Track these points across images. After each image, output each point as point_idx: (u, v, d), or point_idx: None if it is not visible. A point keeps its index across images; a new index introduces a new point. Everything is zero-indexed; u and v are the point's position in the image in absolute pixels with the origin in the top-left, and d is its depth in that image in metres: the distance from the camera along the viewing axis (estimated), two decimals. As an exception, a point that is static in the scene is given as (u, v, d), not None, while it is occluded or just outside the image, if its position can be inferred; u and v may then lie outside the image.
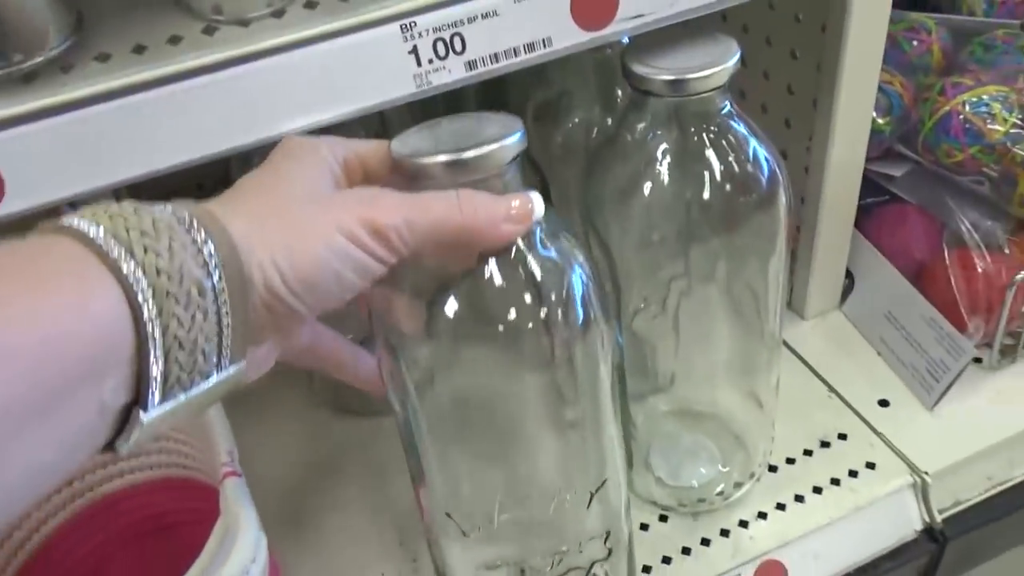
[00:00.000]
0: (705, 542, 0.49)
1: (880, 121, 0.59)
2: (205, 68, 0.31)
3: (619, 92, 0.46)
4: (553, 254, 0.32)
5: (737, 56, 0.36)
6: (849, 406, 0.55)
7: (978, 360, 0.57)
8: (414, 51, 0.34)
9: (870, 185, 0.61)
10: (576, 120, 0.48)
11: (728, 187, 0.39)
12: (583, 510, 0.37)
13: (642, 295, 0.47)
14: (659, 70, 0.36)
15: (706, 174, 0.39)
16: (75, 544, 0.49)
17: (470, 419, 0.35)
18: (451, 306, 0.31)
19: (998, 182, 0.57)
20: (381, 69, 0.34)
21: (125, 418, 0.25)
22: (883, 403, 0.55)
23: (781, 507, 0.50)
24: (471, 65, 0.35)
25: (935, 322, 0.54)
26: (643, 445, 0.51)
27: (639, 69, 0.36)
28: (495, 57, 0.35)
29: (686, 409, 0.52)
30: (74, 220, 0.24)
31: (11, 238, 0.24)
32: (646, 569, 0.48)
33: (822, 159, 0.55)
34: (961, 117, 0.57)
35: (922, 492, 0.51)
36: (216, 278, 0.25)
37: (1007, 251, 0.57)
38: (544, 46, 0.36)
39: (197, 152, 0.32)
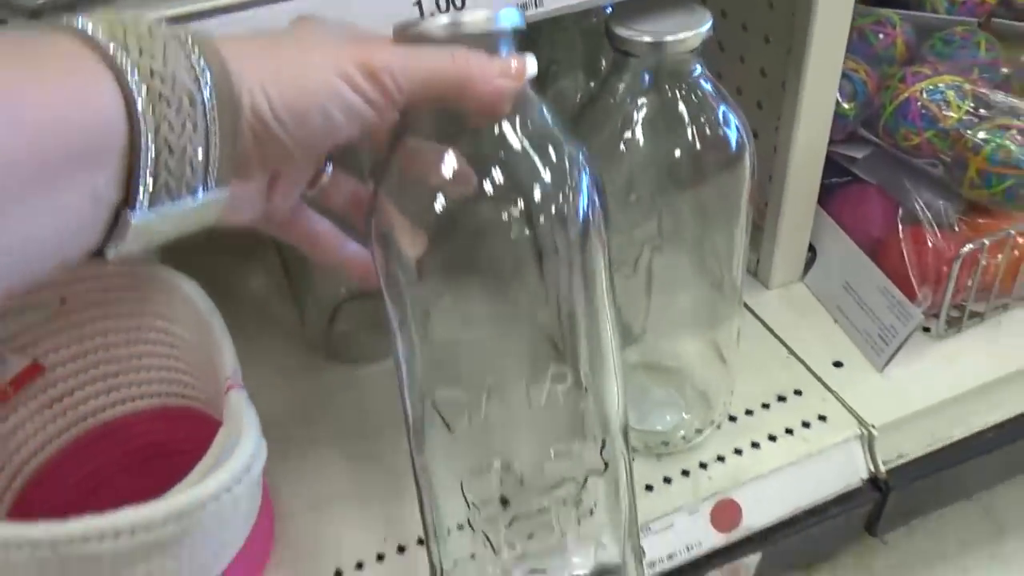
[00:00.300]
0: (667, 480, 0.53)
1: (845, 106, 0.63)
2: (224, 8, 0.34)
3: (603, 60, 0.50)
4: (550, 146, 0.33)
5: (709, 23, 0.40)
6: (806, 366, 0.60)
7: (927, 330, 0.62)
8: (418, 4, 0.38)
9: (834, 166, 0.66)
10: (563, 86, 0.51)
11: (699, 146, 0.43)
12: (576, 406, 0.36)
13: (617, 250, 0.51)
14: (639, 32, 0.40)
15: (679, 132, 0.43)
16: (74, 467, 0.52)
17: (464, 296, 0.35)
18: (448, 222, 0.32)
19: (951, 166, 0.61)
20: (388, 23, 0.38)
21: (115, 225, 0.26)
22: (837, 364, 0.60)
23: (738, 452, 0.54)
24: (469, 22, 0.39)
25: (887, 291, 0.58)
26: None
27: (621, 32, 0.40)
28: (491, 14, 0.39)
29: (654, 362, 0.56)
30: (75, 20, 0.25)
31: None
32: (612, 503, 0.52)
33: (788, 139, 0.59)
34: (919, 104, 0.61)
35: (868, 444, 0.55)
36: (207, 94, 0.25)
37: (956, 229, 0.61)
38: (535, 6, 0.40)
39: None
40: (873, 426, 0.55)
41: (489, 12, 0.30)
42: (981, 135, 0.59)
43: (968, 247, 0.57)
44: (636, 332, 0.55)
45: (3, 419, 0.47)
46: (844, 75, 0.63)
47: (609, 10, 0.44)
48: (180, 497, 0.35)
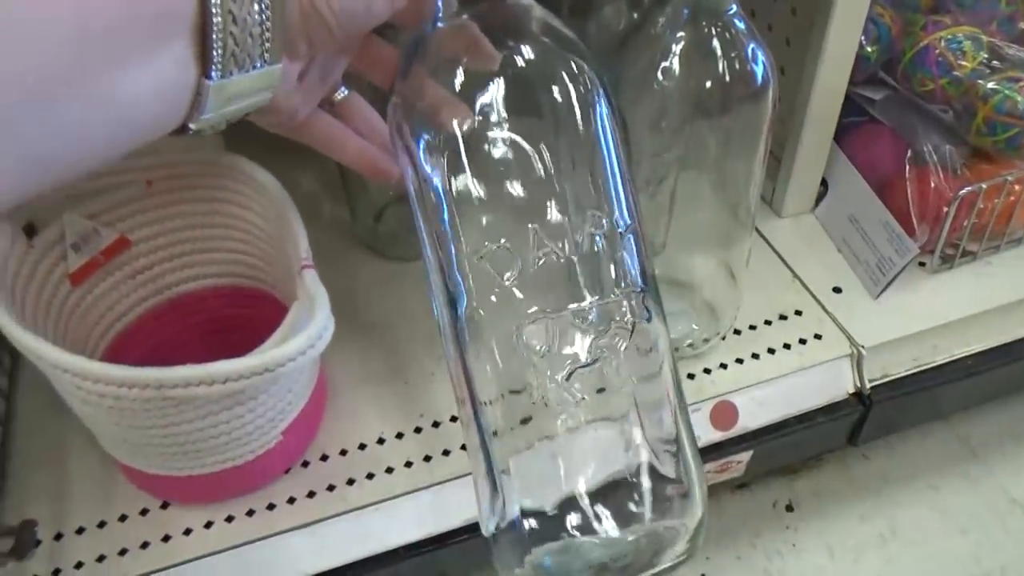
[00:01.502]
0: (674, 381, 0.59)
1: (869, 49, 0.67)
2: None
3: (645, -6, 0.54)
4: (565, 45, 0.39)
5: None
6: (808, 289, 0.65)
7: (922, 264, 0.67)
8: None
9: (853, 105, 0.70)
10: (607, 13, 0.56)
11: (728, 78, 0.48)
12: (615, 253, 0.38)
13: (645, 176, 0.56)
14: None
15: (711, 66, 0.48)
16: (153, 332, 0.58)
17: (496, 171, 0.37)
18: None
19: (960, 113, 0.65)
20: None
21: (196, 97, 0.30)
22: (836, 290, 0.65)
23: (739, 361, 0.60)
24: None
25: (889, 225, 0.63)
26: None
27: None
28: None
29: (670, 276, 0.62)
30: None
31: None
32: (623, 397, 0.58)
33: (812, 77, 0.63)
34: (936, 52, 0.65)
35: (857, 362, 0.61)
36: None
37: (960, 173, 0.66)
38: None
39: None
40: (863, 346, 0.61)
41: None
42: (991, 85, 0.63)
43: (966, 189, 0.61)
44: (656, 248, 0.60)
45: (95, 285, 0.53)
46: (870, 19, 0.67)
47: (654, -55, 0.48)
48: (265, 356, 0.42)
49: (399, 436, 0.56)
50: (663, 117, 0.52)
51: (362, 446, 0.56)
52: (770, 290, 0.65)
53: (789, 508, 0.72)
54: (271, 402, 0.47)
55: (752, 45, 0.47)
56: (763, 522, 0.71)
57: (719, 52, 0.47)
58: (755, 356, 0.61)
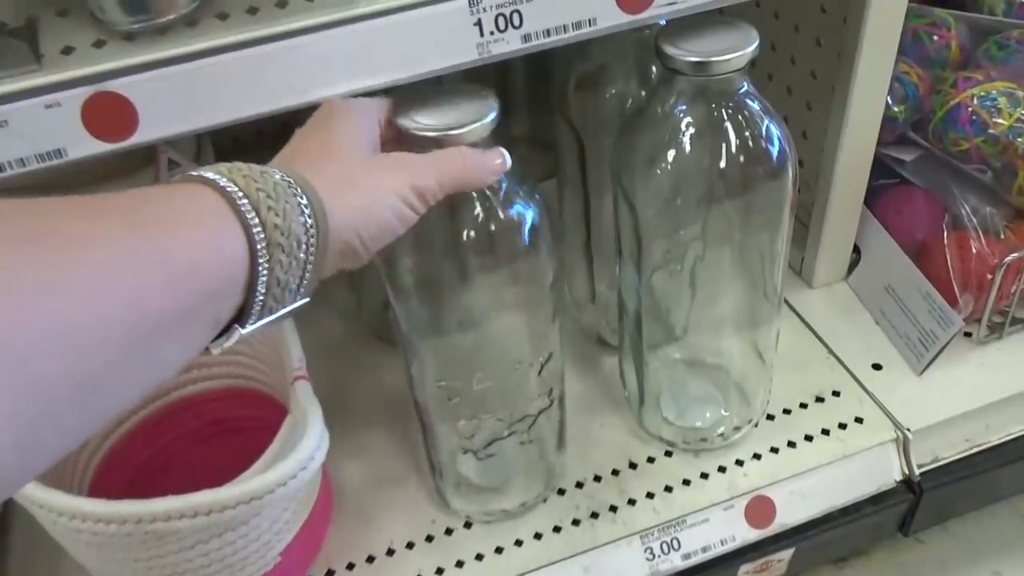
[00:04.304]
0: (704, 475, 0.55)
1: (896, 109, 0.64)
2: (306, 29, 0.37)
3: (654, 68, 0.51)
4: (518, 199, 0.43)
5: (755, 44, 0.41)
6: (845, 367, 0.61)
7: (968, 335, 0.62)
8: (479, 23, 0.40)
9: (883, 168, 0.66)
10: (613, 91, 0.53)
11: (742, 158, 0.45)
12: (535, 376, 0.48)
13: (662, 253, 0.52)
14: (687, 52, 0.41)
15: (723, 145, 0.45)
16: (149, 441, 0.56)
17: (452, 318, 0.47)
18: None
19: (1000, 172, 0.61)
20: (450, 38, 0.40)
21: (222, 331, 0.31)
22: (876, 366, 0.61)
23: (775, 451, 0.56)
24: (526, 38, 0.41)
25: (929, 296, 0.59)
26: (655, 388, 0.57)
27: (670, 50, 0.42)
28: (547, 32, 0.41)
29: (696, 359, 0.58)
30: (215, 176, 0.30)
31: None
32: (649, 495, 0.54)
33: (836, 141, 0.60)
34: (969, 109, 0.61)
35: (903, 447, 0.57)
36: (311, 236, 0.31)
37: (1002, 236, 0.62)
38: (589, 25, 0.42)
39: (294, 99, 0.38)
40: (908, 429, 0.56)
41: (480, 122, 0.39)
42: (1031, 143, 0.59)
43: (1013, 256, 0.57)
44: (679, 331, 0.57)
45: (86, 398, 0.50)
46: (895, 78, 0.63)
47: (662, 21, 0.45)
48: (251, 483, 0.39)
49: (410, 546, 0.53)
50: (676, 196, 0.48)
51: (370, 559, 0.52)
52: (804, 369, 0.61)
53: (838, 602, 0.66)
54: (266, 524, 0.44)
55: (767, 122, 0.44)
56: (810, 618, 0.66)
57: (731, 132, 0.44)
58: (791, 444, 0.56)
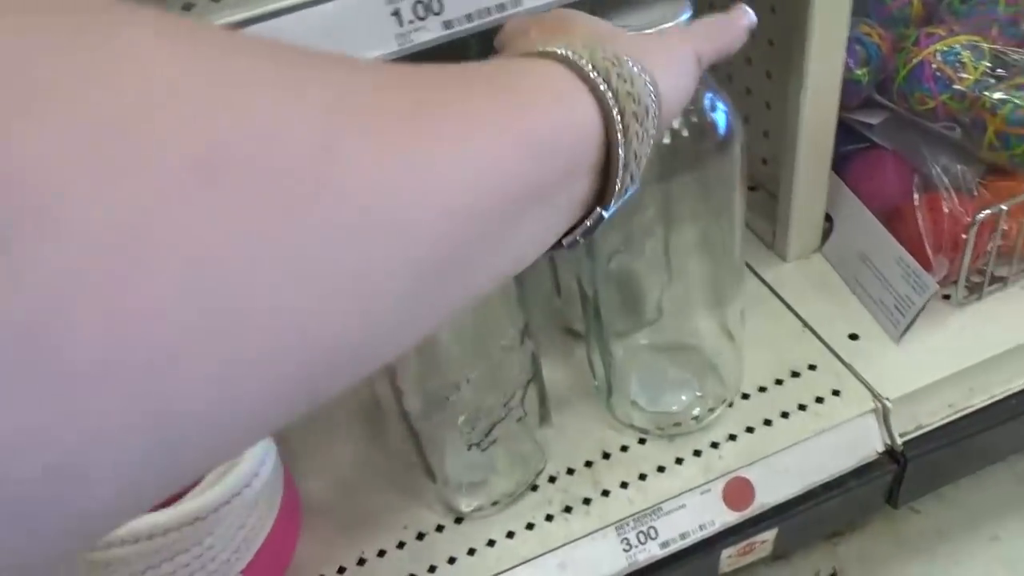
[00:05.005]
0: (679, 460, 0.53)
1: (859, 72, 0.62)
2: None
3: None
4: None
5: (688, 14, 0.40)
6: (821, 340, 0.59)
7: (947, 297, 0.61)
8: (396, 13, 0.39)
9: (851, 133, 0.64)
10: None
11: (686, 132, 0.43)
12: (518, 346, 0.48)
13: (621, 237, 0.51)
14: (619, 25, 0.40)
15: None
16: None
17: None
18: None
19: (968, 128, 0.59)
20: (368, 30, 0.38)
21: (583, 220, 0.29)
22: (853, 337, 0.59)
23: (750, 430, 0.55)
24: (447, 24, 0.39)
25: (903, 260, 0.57)
26: (624, 376, 0.56)
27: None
28: (469, 17, 0.40)
29: (663, 343, 0.57)
30: (560, 49, 0.28)
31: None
32: (624, 485, 0.53)
33: (797, 108, 0.58)
34: (933, 66, 0.59)
35: (883, 416, 0.55)
36: (655, 104, 0.29)
37: (976, 194, 0.60)
38: (514, 6, 0.40)
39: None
40: (888, 398, 0.55)
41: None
42: (998, 95, 0.57)
43: (985, 212, 0.55)
44: (644, 317, 0.55)
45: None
46: (857, 40, 0.62)
47: (594, -2, 0.44)
48: (192, 503, 0.37)
49: (381, 554, 0.51)
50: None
51: (341, 570, 0.51)
52: (779, 344, 0.60)
53: (834, 579, 0.65)
54: (221, 543, 0.43)
55: (710, 95, 0.43)
56: (807, 597, 0.64)
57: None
58: (767, 422, 0.55)
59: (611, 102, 0.27)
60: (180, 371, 0.16)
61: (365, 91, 0.21)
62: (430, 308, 0.23)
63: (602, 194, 0.28)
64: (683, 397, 0.56)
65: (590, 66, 0.27)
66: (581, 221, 0.29)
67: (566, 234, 0.29)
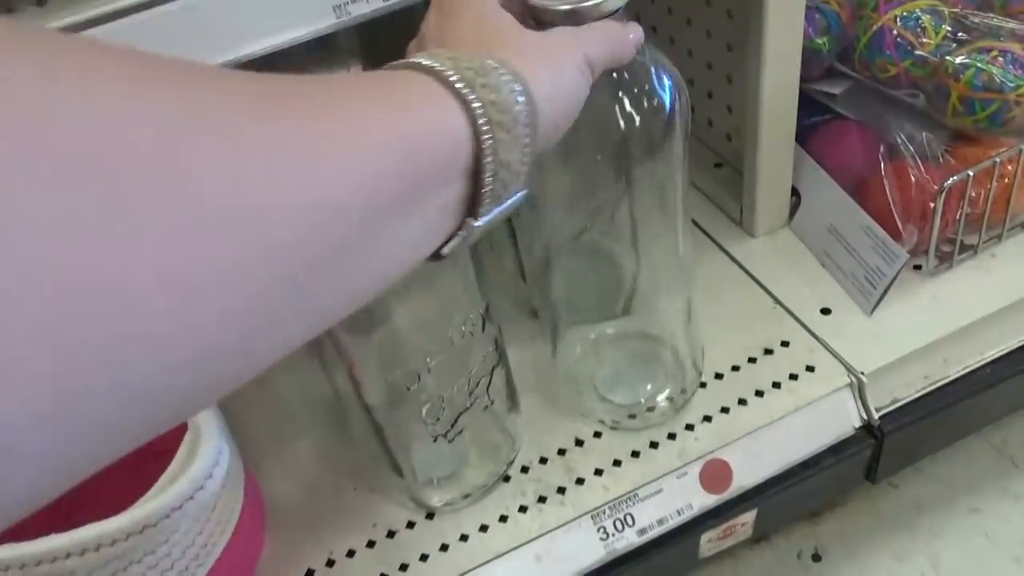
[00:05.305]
0: (653, 445, 0.52)
1: (819, 41, 0.61)
2: (142, 5, 0.34)
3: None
4: None
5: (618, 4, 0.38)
6: (792, 315, 0.58)
7: (918, 267, 0.60)
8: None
9: (814, 104, 0.64)
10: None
11: (629, 107, 0.42)
12: (479, 331, 0.46)
13: (587, 217, 0.49)
14: (558, 1, 0.38)
15: (611, 96, 0.42)
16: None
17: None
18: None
19: (932, 94, 0.59)
20: (304, 4, 0.37)
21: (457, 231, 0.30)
22: (825, 311, 0.58)
23: (725, 411, 0.53)
24: (388, -4, 0.38)
25: (871, 231, 0.56)
26: (587, 371, 0.54)
27: (538, 2, 0.38)
28: (407, -12, 0.38)
29: (623, 332, 0.55)
30: (423, 60, 0.29)
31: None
32: (598, 472, 0.51)
33: (758, 80, 0.57)
34: (894, 32, 0.58)
35: (859, 392, 0.54)
36: (526, 115, 0.29)
37: (942, 161, 0.59)
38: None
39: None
40: (862, 373, 0.54)
41: None
42: (960, 59, 0.56)
43: (952, 178, 0.54)
44: (597, 313, 0.54)
45: None
46: (816, 8, 0.61)
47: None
48: (139, 510, 0.35)
49: (350, 554, 0.50)
50: (573, 157, 0.45)
51: (310, 572, 0.49)
52: (751, 322, 0.58)
53: (816, 558, 0.64)
54: (177, 551, 0.41)
55: (653, 68, 0.41)
56: (789, 577, 0.63)
57: (615, 79, 0.41)
58: (742, 402, 0.54)
59: (479, 110, 0.28)
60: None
61: (213, 93, 0.22)
62: (302, 309, 0.23)
63: (474, 202, 0.29)
64: (648, 386, 0.54)
65: (455, 76, 0.28)
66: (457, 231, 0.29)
67: (445, 243, 0.30)
